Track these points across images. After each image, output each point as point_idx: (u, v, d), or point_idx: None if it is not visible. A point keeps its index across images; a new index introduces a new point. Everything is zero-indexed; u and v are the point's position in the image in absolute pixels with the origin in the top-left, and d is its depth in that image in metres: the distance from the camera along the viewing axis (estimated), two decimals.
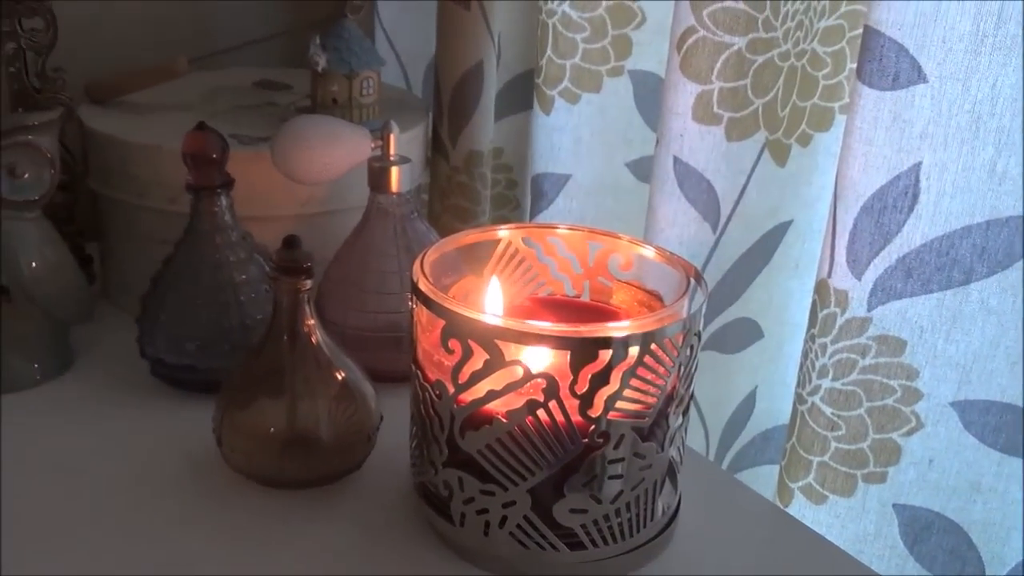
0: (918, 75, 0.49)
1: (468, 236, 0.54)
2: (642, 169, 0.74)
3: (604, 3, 0.68)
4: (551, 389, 0.44)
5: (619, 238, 0.54)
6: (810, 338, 0.57)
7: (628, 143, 0.73)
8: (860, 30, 0.60)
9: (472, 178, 0.77)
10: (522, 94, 0.82)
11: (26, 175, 0.59)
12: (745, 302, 0.67)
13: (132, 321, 0.63)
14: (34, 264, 0.60)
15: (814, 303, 0.56)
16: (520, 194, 0.86)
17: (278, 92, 0.80)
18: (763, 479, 0.74)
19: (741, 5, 0.56)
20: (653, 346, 0.45)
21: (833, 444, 0.57)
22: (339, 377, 0.53)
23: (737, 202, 0.62)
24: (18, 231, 0.59)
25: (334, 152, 0.60)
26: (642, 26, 0.69)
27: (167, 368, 0.61)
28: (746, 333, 0.68)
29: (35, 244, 0.60)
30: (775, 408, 0.73)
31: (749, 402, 0.71)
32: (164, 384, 0.62)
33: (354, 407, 0.53)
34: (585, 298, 0.56)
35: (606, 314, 0.54)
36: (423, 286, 0.48)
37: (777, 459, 0.73)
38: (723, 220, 0.62)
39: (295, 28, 0.87)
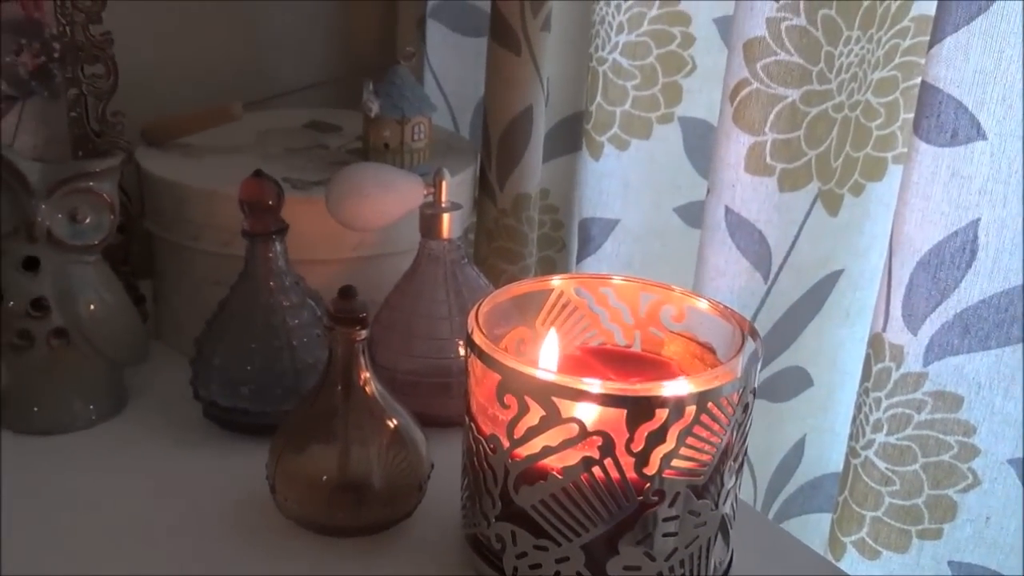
0: (977, 132, 0.49)
1: (521, 286, 0.54)
2: (691, 214, 0.74)
3: (655, 51, 0.68)
4: (607, 447, 0.44)
5: (672, 290, 0.54)
6: (864, 391, 0.56)
7: (677, 188, 0.73)
8: (913, 81, 0.60)
9: (520, 221, 0.78)
10: (569, 136, 0.83)
11: (87, 220, 0.60)
12: (795, 351, 0.66)
13: (185, 361, 0.64)
14: (92, 307, 0.61)
15: (868, 357, 0.56)
16: (566, 235, 0.86)
17: (328, 134, 0.81)
18: (811, 527, 0.73)
19: (795, 58, 0.56)
20: (710, 404, 0.44)
21: (887, 499, 0.56)
22: (391, 425, 0.54)
23: (789, 252, 0.62)
24: (78, 274, 0.60)
25: (388, 200, 0.61)
26: (692, 74, 0.70)
27: (220, 410, 0.62)
28: (796, 382, 0.68)
29: (94, 287, 0.61)
30: (824, 456, 0.72)
31: (798, 450, 0.71)
32: (216, 426, 0.63)
33: (405, 454, 0.54)
34: (636, 348, 0.56)
35: (659, 366, 0.54)
36: (478, 339, 0.48)
37: (825, 507, 0.72)
38: (774, 270, 0.62)
39: (346, 74, 0.88)
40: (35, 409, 0.61)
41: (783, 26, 0.56)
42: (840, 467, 0.71)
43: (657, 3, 0.68)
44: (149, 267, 0.74)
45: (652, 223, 0.74)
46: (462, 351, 0.64)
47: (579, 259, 0.76)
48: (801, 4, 0.55)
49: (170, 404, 0.65)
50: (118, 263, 0.69)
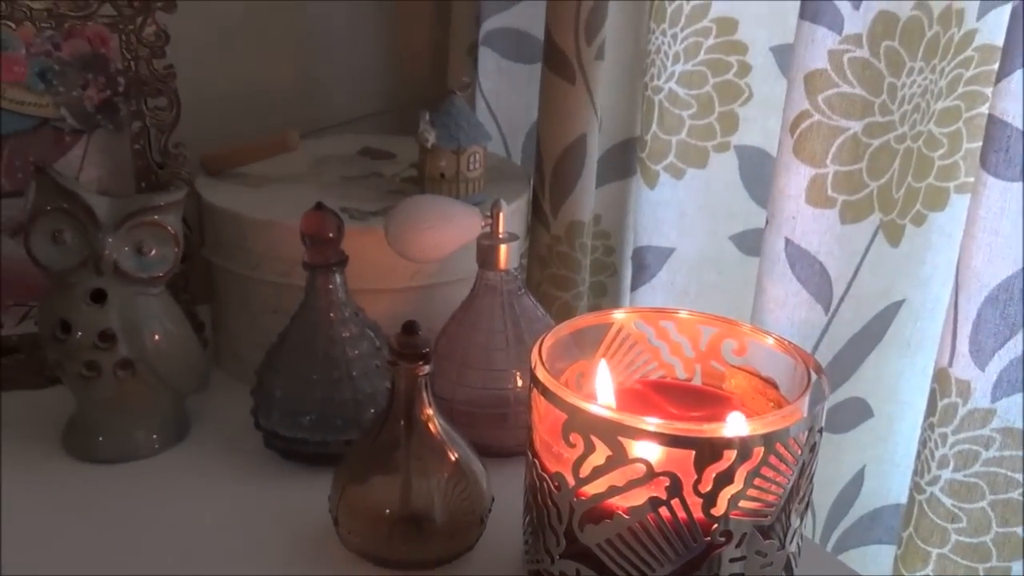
0: None
1: (583, 320, 0.54)
2: (746, 242, 0.73)
3: (712, 80, 0.68)
4: (674, 487, 0.44)
5: (736, 324, 0.53)
6: (929, 427, 0.56)
7: (732, 216, 0.73)
8: (977, 110, 0.60)
9: (573, 248, 0.78)
10: (621, 162, 0.83)
11: (152, 252, 0.61)
12: (855, 382, 0.66)
13: (244, 388, 0.65)
14: (157, 337, 0.61)
15: (933, 392, 0.55)
16: (618, 261, 0.86)
17: (382, 161, 0.82)
18: (870, 559, 0.72)
19: (858, 90, 0.56)
20: (777, 445, 0.44)
21: (953, 536, 0.55)
22: (453, 458, 0.54)
23: (850, 283, 0.61)
24: (143, 306, 0.61)
25: (446, 232, 0.61)
26: (749, 102, 0.70)
27: (281, 440, 0.62)
28: (856, 412, 0.67)
29: (159, 318, 0.62)
30: (883, 487, 0.71)
31: (857, 481, 0.70)
32: (276, 455, 0.63)
33: (467, 488, 0.54)
34: (697, 382, 0.56)
35: (720, 400, 0.54)
36: (542, 376, 0.48)
37: (885, 539, 0.71)
38: (835, 302, 0.61)
39: (398, 101, 0.89)
40: (100, 438, 0.63)
41: (845, 58, 0.55)
42: (900, 498, 0.70)
43: (714, 32, 0.68)
44: (207, 292, 0.75)
45: (707, 251, 0.73)
46: (519, 382, 0.64)
47: (634, 287, 0.76)
48: (864, 36, 0.55)
49: (230, 433, 0.66)
50: (178, 291, 0.70)
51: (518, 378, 0.64)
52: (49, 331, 0.60)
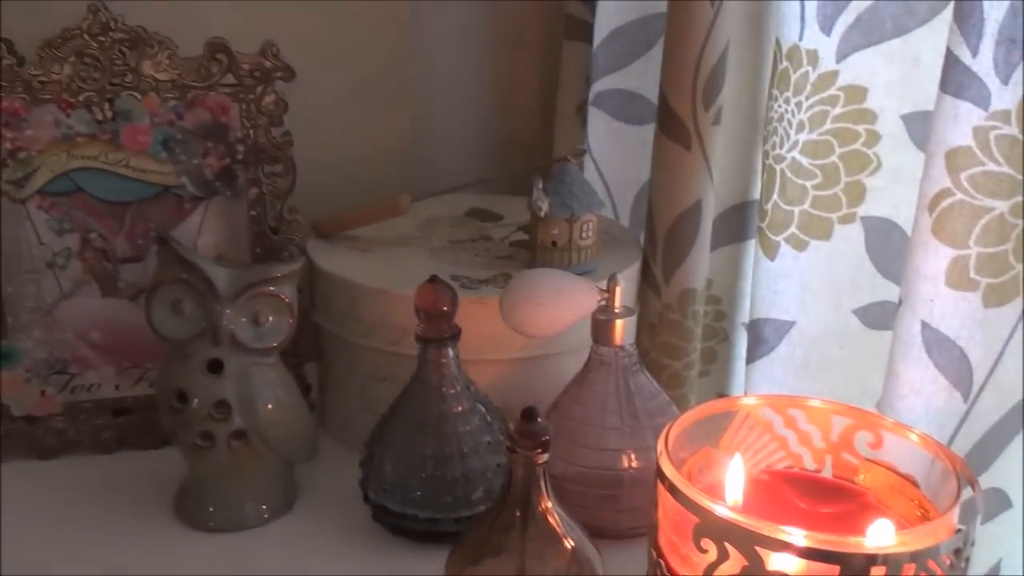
0: None
1: (710, 408, 0.52)
2: (870, 316, 0.70)
3: (838, 150, 0.66)
4: None
5: (876, 417, 0.50)
6: None
7: (857, 289, 0.69)
8: None
9: (685, 316, 0.76)
10: (734, 226, 0.81)
11: (268, 322, 0.61)
12: (994, 472, 0.62)
13: (351, 455, 0.65)
14: (270, 407, 0.61)
15: None
16: (729, 326, 0.84)
17: (490, 223, 0.81)
18: None
19: (1005, 168, 0.53)
20: (929, 562, 0.41)
21: None
22: (569, 547, 0.52)
23: (992, 370, 0.57)
24: (258, 376, 0.61)
25: (562, 308, 0.60)
26: (877, 172, 0.67)
27: (390, 515, 0.61)
28: (993, 504, 0.63)
29: (272, 388, 0.62)
30: None
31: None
32: (384, 530, 0.62)
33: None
34: (826, 474, 0.53)
35: (855, 496, 0.51)
36: (670, 472, 0.46)
37: None
38: (976, 389, 0.58)
39: (507, 169, 0.89)
40: (210, 508, 0.62)
41: (992, 135, 0.52)
42: None
43: (842, 101, 0.65)
44: (313, 352, 0.75)
45: (829, 325, 0.70)
46: (634, 461, 0.62)
47: (750, 360, 0.73)
48: (1013, 112, 0.52)
49: (338, 503, 0.65)
50: (288, 356, 0.70)
51: (633, 458, 0.62)
52: (167, 401, 0.60)
